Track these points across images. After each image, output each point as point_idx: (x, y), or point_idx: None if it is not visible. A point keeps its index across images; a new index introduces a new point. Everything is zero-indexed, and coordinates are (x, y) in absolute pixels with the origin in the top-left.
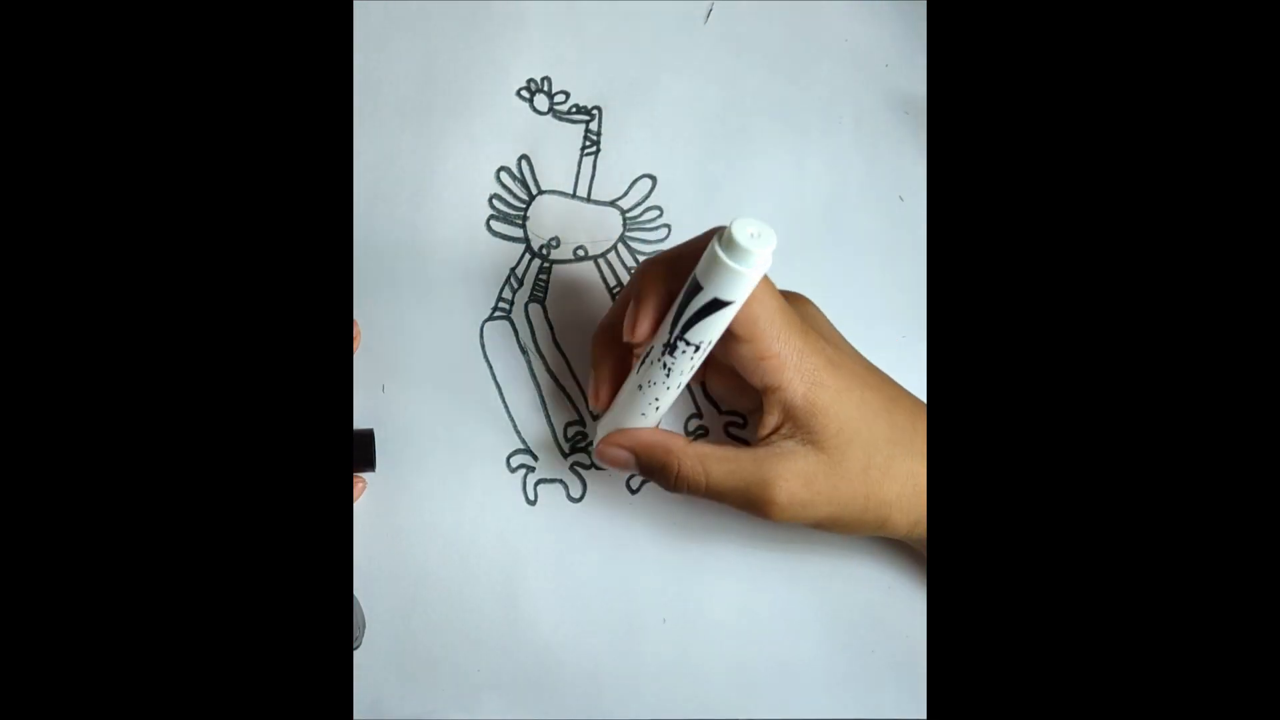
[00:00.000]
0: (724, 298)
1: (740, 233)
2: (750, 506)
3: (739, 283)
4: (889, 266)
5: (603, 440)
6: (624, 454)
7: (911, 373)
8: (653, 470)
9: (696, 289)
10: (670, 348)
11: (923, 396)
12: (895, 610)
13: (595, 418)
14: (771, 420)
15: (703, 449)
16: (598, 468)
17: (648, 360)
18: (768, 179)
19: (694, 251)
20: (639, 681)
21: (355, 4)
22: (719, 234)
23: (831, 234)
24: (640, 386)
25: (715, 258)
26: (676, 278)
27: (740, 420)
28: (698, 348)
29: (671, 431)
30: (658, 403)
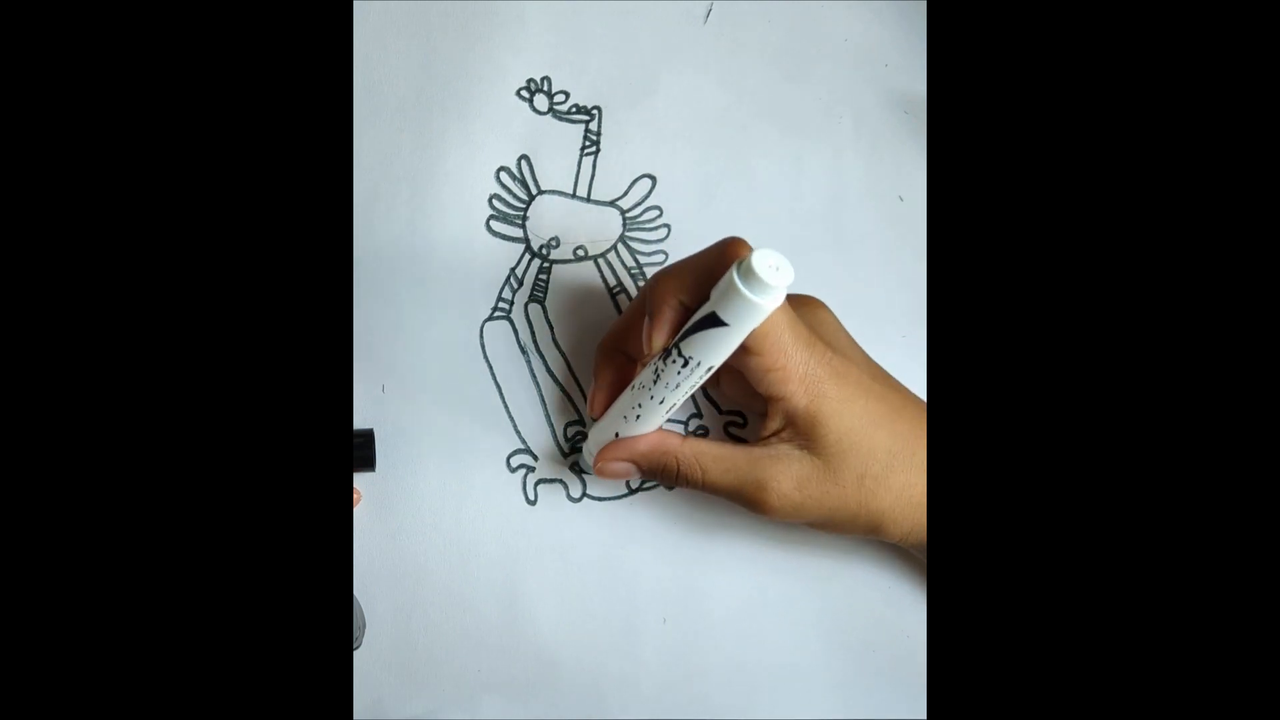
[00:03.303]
0: (727, 319)
1: (760, 264)
2: (746, 504)
3: (750, 312)
4: (889, 266)
5: (600, 456)
6: (624, 466)
7: (912, 373)
8: (655, 472)
9: (709, 316)
10: (664, 353)
11: (923, 396)
12: (895, 610)
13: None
14: (773, 424)
15: (699, 446)
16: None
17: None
18: (768, 179)
19: (705, 264)
20: (639, 681)
21: (355, 4)
22: (739, 264)
23: (831, 234)
24: (632, 388)
25: (732, 285)
26: (689, 291)
27: (740, 420)
28: (686, 362)
29: (667, 431)
30: (639, 409)
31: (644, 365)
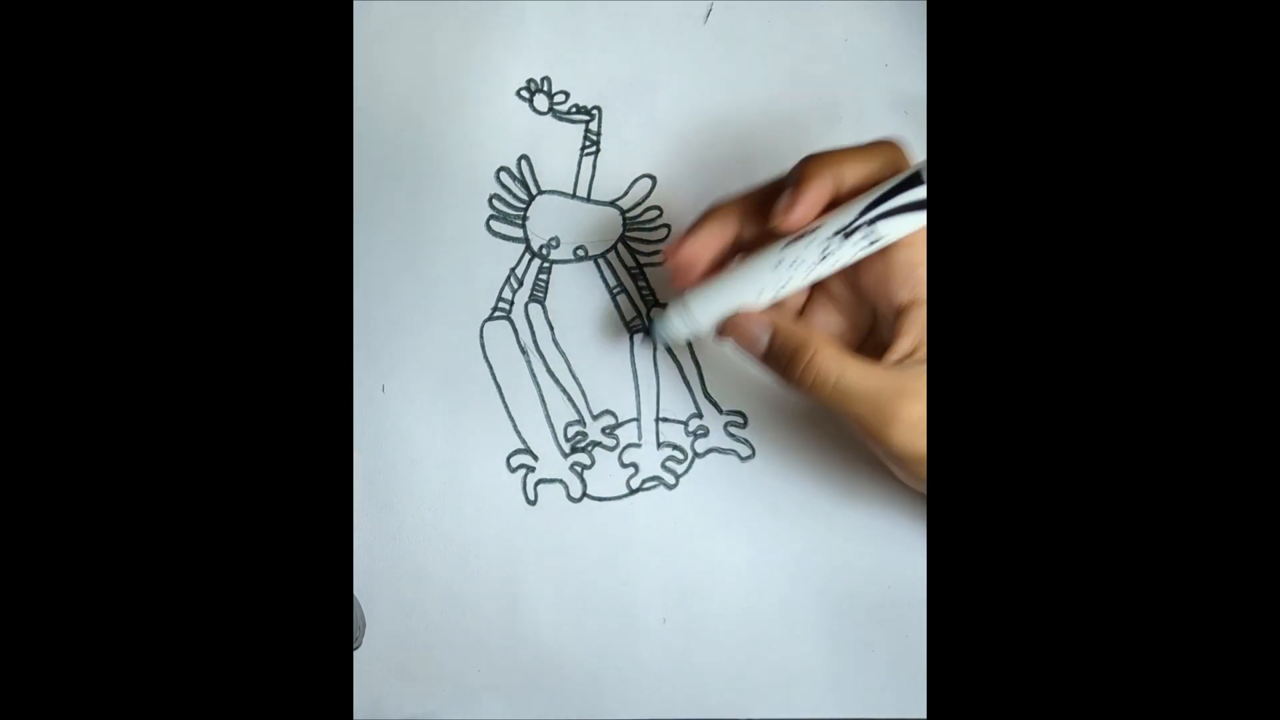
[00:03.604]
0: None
1: None
2: (873, 417)
3: None
4: None
5: (741, 314)
6: (759, 332)
7: None
8: (782, 354)
9: (915, 182)
10: (846, 233)
11: None
12: (895, 611)
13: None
14: (906, 342)
15: (839, 346)
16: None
17: (801, 240)
18: (768, 179)
19: (863, 154)
20: (639, 681)
21: (355, 4)
22: None
23: None
24: (778, 264)
25: None
26: (849, 173)
27: (740, 420)
28: (874, 241)
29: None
30: (783, 288)
31: (785, 241)
